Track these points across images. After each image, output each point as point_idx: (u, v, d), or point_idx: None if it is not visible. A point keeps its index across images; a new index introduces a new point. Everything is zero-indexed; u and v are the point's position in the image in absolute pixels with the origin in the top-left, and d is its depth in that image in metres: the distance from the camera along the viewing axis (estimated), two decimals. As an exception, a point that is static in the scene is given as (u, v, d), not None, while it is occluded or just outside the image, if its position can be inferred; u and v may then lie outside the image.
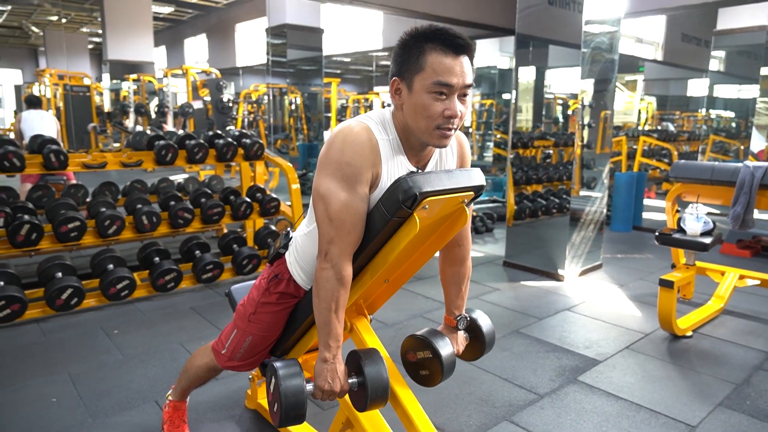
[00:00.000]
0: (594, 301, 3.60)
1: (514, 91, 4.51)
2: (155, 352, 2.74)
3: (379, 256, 1.40)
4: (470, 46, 1.27)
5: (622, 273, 4.23)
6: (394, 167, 1.35)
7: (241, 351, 1.70)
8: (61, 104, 12.00)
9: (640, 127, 11.46)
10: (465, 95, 1.29)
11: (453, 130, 1.30)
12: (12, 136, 5.04)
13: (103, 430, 2.06)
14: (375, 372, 1.37)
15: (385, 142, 1.33)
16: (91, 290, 3.28)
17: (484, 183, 1.37)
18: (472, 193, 1.35)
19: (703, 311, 3.24)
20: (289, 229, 1.65)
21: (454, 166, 1.50)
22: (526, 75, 4.48)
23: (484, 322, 1.71)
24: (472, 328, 1.71)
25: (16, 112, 13.38)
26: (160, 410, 2.16)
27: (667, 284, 2.84)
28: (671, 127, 11.50)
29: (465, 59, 1.27)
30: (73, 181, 4.83)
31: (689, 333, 3.03)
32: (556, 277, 4.05)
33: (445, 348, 1.54)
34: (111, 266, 3.36)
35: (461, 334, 1.69)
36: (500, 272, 4.25)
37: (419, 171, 1.38)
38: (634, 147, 8.39)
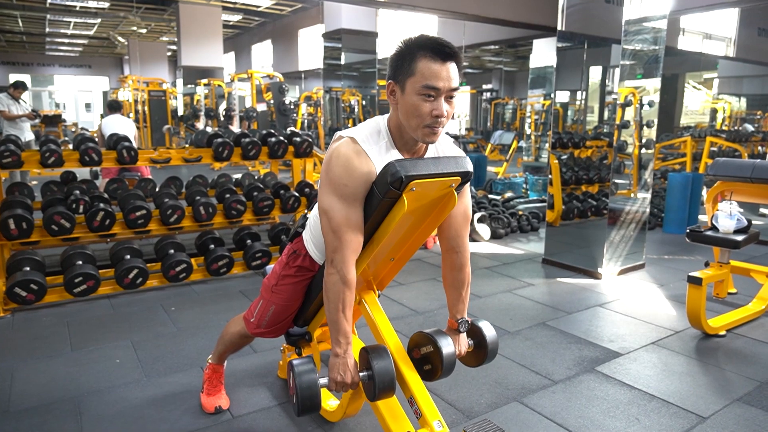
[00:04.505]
0: (628, 298, 3.59)
1: (556, 92, 4.53)
2: (204, 327, 3.05)
3: (378, 231, 1.57)
4: (457, 53, 1.42)
5: (665, 273, 4.16)
6: None
7: (266, 319, 1.94)
8: (140, 108, 12.99)
9: (717, 128, 10.86)
10: (452, 97, 1.45)
11: (440, 128, 1.46)
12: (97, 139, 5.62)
13: (156, 387, 2.38)
14: (382, 367, 1.53)
15: (374, 150, 1.49)
16: (154, 272, 3.66)
17: (471, 170, 1.52)
18: (459, 178, 1.50)
19: (742, 312, 3.17)
20: (306, 211, 1.87)
21: None
22: (571, 74, 4.49)
23: (489, 331, 1.80)
24: (476, 334, 1.81)
25: (102, 116, 14.59)
26: (203, 373, 2.44)
27: (695, 281, 2.82)
28: (750, 128, 10.82)
29: (452, 65, 1.42)
30: (147, 176, 5.34)
31: (722, 332, 2.99)
32: (594, 275, 4.05)
33: (447, 346, 1.65)
34: (171, 251, 3.74)
35: (463, 338, 1.79)
36: (538, 269, 4.29)
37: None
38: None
